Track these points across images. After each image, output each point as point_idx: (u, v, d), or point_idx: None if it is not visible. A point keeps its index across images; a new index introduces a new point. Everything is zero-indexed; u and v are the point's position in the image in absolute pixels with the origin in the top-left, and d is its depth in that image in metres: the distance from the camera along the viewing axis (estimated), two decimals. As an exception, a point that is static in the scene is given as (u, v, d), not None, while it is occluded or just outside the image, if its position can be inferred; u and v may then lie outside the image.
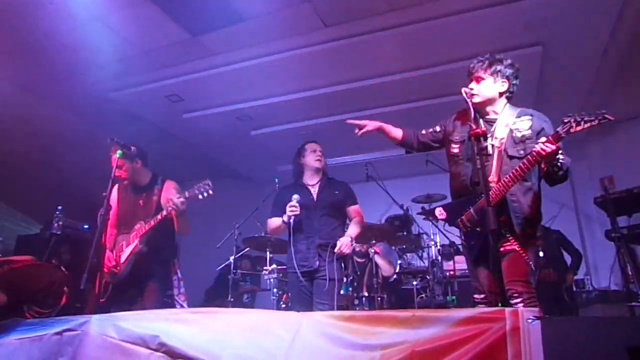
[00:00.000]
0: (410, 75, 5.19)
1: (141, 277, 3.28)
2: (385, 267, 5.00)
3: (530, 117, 2.43)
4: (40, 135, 5.99)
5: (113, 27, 4.41)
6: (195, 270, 6.91)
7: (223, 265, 5.51)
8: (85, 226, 5.85)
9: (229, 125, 6.35)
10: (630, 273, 3.89)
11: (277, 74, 5.21)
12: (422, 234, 5.56)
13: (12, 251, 5.50)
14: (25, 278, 3.10)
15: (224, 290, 5.36)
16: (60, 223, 5.10)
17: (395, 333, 1.71)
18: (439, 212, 2.55)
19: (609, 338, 1.44)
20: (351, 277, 4.46)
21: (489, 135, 2.41)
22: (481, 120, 2.34)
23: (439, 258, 5.35)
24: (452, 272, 5.42)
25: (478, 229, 2.39)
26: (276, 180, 5.17)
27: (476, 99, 2.42)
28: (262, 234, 4.93)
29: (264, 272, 4.81)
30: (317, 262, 3.28)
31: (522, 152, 2.35)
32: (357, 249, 5.07)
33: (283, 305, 4.62)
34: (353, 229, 3.45)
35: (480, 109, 2.47)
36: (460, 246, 5.12)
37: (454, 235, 4.54)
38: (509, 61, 2.50)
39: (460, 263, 5.34)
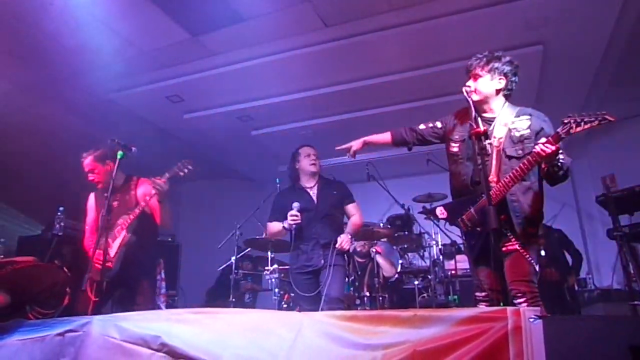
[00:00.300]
0: (410, 74, 5.18)
1: (133, 274, 3.29)
2: (386, 268, 5.01)
3: (529, 117, 2.42)
4: (40, 136, 6.00)
5: (113, 27, 4.42)
6: (196, 271, 6.95)
7: (224, 265, 5.52)
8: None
9: (230, 125, 6.36)
10: (632, 272, 3.88)
11: (277, 74, 5.21)
12: (423, 233, 5.56)
13: (14, 252, 5.51)
14: (28, 279, 3.10)
15: (225, 291, 5.37)
16: (62, 224, 5.12)
17: (397, 333, 1.71)
18: (440, 212, 2.55)
19: (611, 337, 1.44)
20: (352, 277, 4.48)
21: (487, 139, 2.40)
22: (479, 119, 2.33)
23: (441, 257, 5.35)
24: (453, 272, 5.42)
25: (478, 228, 2.38)
26: (277, 180, 5.17)
27: (474, 97, 2.42)
28: (263, 235, 4.93)
29: (266, 272, 4.81)
30: (322, 261, 3.37)
31: (520, 152, 2.34)
32: (359, 249, 5.07)
33: (285, 305, 4.63)
34: (351, 227, 3.55)
35: (478, 107, 2.46)
36: (461, 245, 5.13)
37: (455, 234, 4.55)
38: (507, 58, 2.49)
39: (461, 262, 5.34)
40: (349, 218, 3.64)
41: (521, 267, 2.26)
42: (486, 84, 2.47)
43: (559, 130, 2.10)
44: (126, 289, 3.36)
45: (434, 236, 5.50)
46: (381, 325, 1.77)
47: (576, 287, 5.45)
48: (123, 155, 3.17)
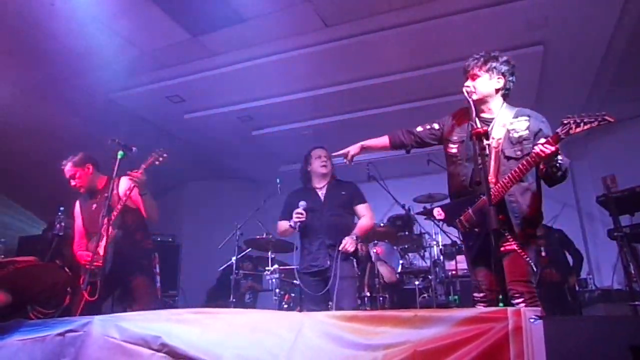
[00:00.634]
0: (411, 75, 5.19)
1: (127, 271, 3.29)
2: (386, 274, 5.00)
3: (527, 118, 2.42)
4: (40, 137, 6.00)
5: (114, 28, 4.42)
6: (197, 271, 6.96)
7: (225, 265, 5.52)
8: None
9: (230, 125, 6.36)
10: (632, 272, 3.88)
11: (278, 74, 5.21)
12: (423, 233, 5.56)
13: (15, 252, 5.52)
14: (29, 278, 3.11)
15: (225, 291, 5.36)
16: (63, 224, 5.12)
17: (398, 333, 1.71)
18: (437, 212, 2.55)
19: (612, 337, 1.44)
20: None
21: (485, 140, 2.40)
22: (477, 120, 2.33)
23: (441, 258, 5.35)
24: (454, 272, 5.42)
25: (476, 229, 2.38)
26: (278, 180, 5.17)
27: (473, 97, 2.41)
28: (264, 235, 4.93)
29: (266, 272, 4.81)
30: (328, 262, 3.36)
31: (519, 153, 2.34)
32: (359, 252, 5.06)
33: (285, 306, 4.62)
34: (359, 228, 3.51)
35: (477, 108, 2.46)
36: (462, 246, 5.12)
37: (456, 234, 4.54)
38: (504, 58, 2.50)
39: (462, 263, 5.33)
40: (359, 219, 3.62)
41: (519, 268, 2.26)
42: (485, 84, 2.47)
43: (558, 130, 2.10)
44: (123, 287, 3.37)
45: (434, 236, 5.50)
46: (382, 325, 1.77)
47: (577, 288, 5.44)
48: (124, 155, 3.17)
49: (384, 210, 6.24)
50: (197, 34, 4.58)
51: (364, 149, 2.91)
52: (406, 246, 5.50)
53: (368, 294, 4.50)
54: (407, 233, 5.41)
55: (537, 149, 2.14)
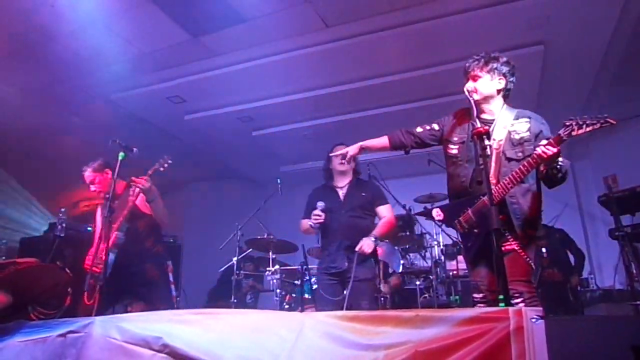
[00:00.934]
0: (411, 75, 5.19)
1: (134, 283, 3.28)
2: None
3: (528, 119, 2.42)
4: (41, 137, 6.01)
5: (114, 28, 4.42)
6: (198, 272, 6.96)
7: (226, 266, 5.52)
8: (89, 228, 5.88)
9: (231, 126, 6.36)
10: (634, 272, 3.88)
11: (278, 74, 5.21)
12: (424, 233, 5.55)
13: (17, 253, 5.53)
14: (29, 279, 3.12)
15: (227, 291, 5.36)
16: (64, 225, 5.13)
17: (399, 333, 1.71)
18: (436, 213, 2.54)
19: (614, 337, 1.43)
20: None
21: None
22: (477, 121, 2.33)
23: (442, 258, 5.34)
24: (455, 272, 5.41)
25: (475, 230, 2.38)
26: (278, 180, 5.17)
27: (475, 97, 2.41)
28: (265, 235, 4.93)
29: (267, 273, 4.81)
30: (346, 264, 3.31)
31: (520, 154, 2.35)
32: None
33: (286, 306, 4.63)
34: (378, 229, 3.44)
35: (477, 108, 2.45)
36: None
37: (457, 235, 4.54)
38: (504, 59, 2.49)
39: (463, 263, 5.32)
40: (380, 220, 3.56)
41: (519, 267, 2.26)
42: (486, 84, 2.46)
43: (560, 132, 2.09)
44: (134, 298, 3.36)
45: (435, 237, 5.49)
46: (383, 325, 1.77)
47: (578, 287, 5.44)
48: (124, 157, 3.18)
49: (385, 210, 6.23)
50: (198, 34, 4.59)
51: (363, 150, 2.89)
52: (407, 246, 5.49)
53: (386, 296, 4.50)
54: (408, 233, 5.40)
55: (539, 150, 2.14)
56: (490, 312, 1.63)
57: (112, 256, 3.20)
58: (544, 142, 2.17)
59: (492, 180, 2.33)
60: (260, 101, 5.80)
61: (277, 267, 4.74)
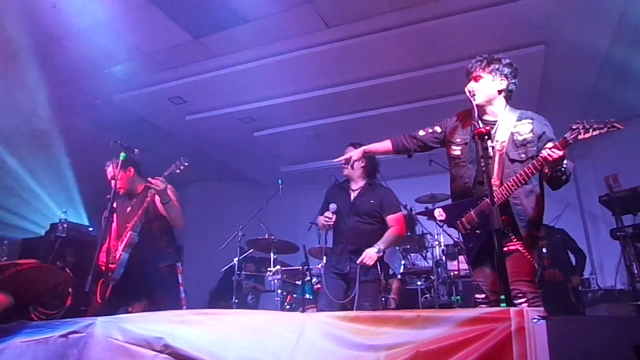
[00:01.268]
0: (412, 75, 5.18)
1: (145, 286, 3.29)
2: (395, 284, 4.99)
3: (531, 121, 2.42)
4: (42, 138, 6.02)
5: (115, 30, 4.43)
6: (199, 272, 6.96)
7: (227, 266, 5.52)
8: (90, 228, 5.89)
9: (232, 126, 6.37)
10: (635, 272, 3.87)
11: (279, 75, 5.21)
12: (426, 234, 5.55)
13: (18, 254, 5.53)
14: (30, 280, 3.12)
15: (228, 292, 5.37)
16: (65, 226, 5.14)
17: (400, 333, 1.71)
18: (439, 213, 2.55)
19: (615, 337, 1.43)
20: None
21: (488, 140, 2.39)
22: (480, 122, 2.33)
23: (443, 258, 5.33)
24: (456, 272, 5.40)
25: (478, 231, 2.38)
26: (280, 181, 5.18)
27: (476, 98, 2.41)
28: (266, 236, 4.93)
29: (268, 273, 4.81)
30: (348, 267, 3.33)
31: (523, 155, 2.35)
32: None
33: (287, 307, 4.62)
34: (385, 239, 3.37)
35: (480, 110, 2.46)
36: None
37: (458, 235, 4.53)
38: (507, 60, 2.50)
39: (464, 263, 5.32)
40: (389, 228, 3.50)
41: (522, 267, 2.26)
42: (488, 85, 2.47)
43: (566, 135, 2.09)
44: (145, 300, 3.37)
45: (436, 237, 5.49)
46: (384, 326, 1.77)
47: (580, 288, 5.43)
48: (126, 157, 3.19)
49: (386, 210, 6.23)
50: (199, 35, 4.59)
51: (366, 154, 2.89)
52: (408, 247, 5.49)
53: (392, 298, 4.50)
54: (409, 233, 5.40)
55: (544, 152, 2.14)
56: (491, 313, 1.62)
57: (125, 256, 3.22)
58: (550, 144, 2.17)
59: (496, 181, 2.33)
60: (261, 102, 5.80)
61: (278, 267, 4.74)
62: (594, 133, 2.03)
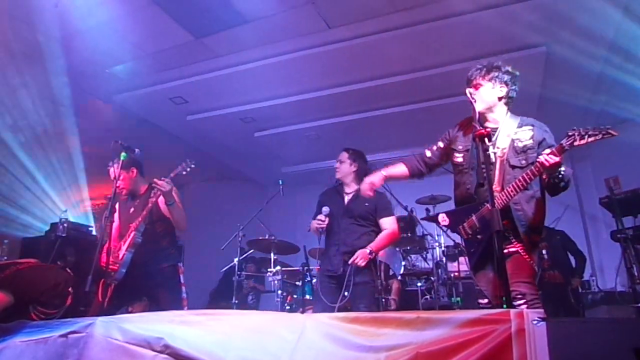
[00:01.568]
0: (414, 76, 5.19)
1: (147, 286, 3.29)
2: (395, 285, 4.99)
3: (531, 127, 2.45)
4: (42, 138, 6.02)
5: (117, 29, 4.43)
6: (199, 272, 6.94)
7: (227, 267, 5.52)
8: (90, 228, 5.89)
9: (233, 127, 6.37)
10: (636, 274, 3.86)
11: (280, 75, 5.22)
12: (426, 235, 5.55)
13: (18, 253, 5.53)
14: (30, 279, 3.12)
15: (228, 292, 5.36)
16: (65, 225, 5.14)
17: (400, 335, 1.71)
18: (442, 219, 2.58)
19: (615, 339, 1.43)
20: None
21: (490, 144, 2.40)
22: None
23: (444, 259, 5.33)
24: (456, 274, 5.40)
25: (479, 236, 2.39)
26: (280, 181, 5.18)
27: (477, 106, 2.42)
28: (266, 236, 4.93)
29: (269, 273, 4.81)
30: (342, 269, 3.35)
31: (523, 161, 2.37)
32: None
33: (288, 307, 4.62)
34: (377, 242, 3.41)
35: (481, 117, 2.48)
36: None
37: (461, 240, 4.53)
38: (506, 68, 2.53)
39: (464, 264, 5.31)
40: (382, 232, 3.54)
41: (522, 269, 2.28)
42: (488, 92, 2.50)
43: (563, 142, 2.12)
44: (146, 300, 3.37)
45: (437, 238, 5.49)
46: (384, 327, 1.77)
47: (580, 289, 5.43)
48: (126, 157, 3.19)
49: (386, 211, 6.23)
50: (200, 35, 4.60)
51: (386, 179, 2.89)
52: (408, 248, 5.49)
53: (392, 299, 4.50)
54: (409, 234, 5.40)
55: (541, 158, 2.17)
56: (491, 314, 1.63)
57: (129, 256, 3.22)
58: (547, 150, 2.19)
59: (497, 187, 2.36)
60: (262, 102, 5.81)
61: (278, 268, 4.74)
62: (590, 140, 2.07)
